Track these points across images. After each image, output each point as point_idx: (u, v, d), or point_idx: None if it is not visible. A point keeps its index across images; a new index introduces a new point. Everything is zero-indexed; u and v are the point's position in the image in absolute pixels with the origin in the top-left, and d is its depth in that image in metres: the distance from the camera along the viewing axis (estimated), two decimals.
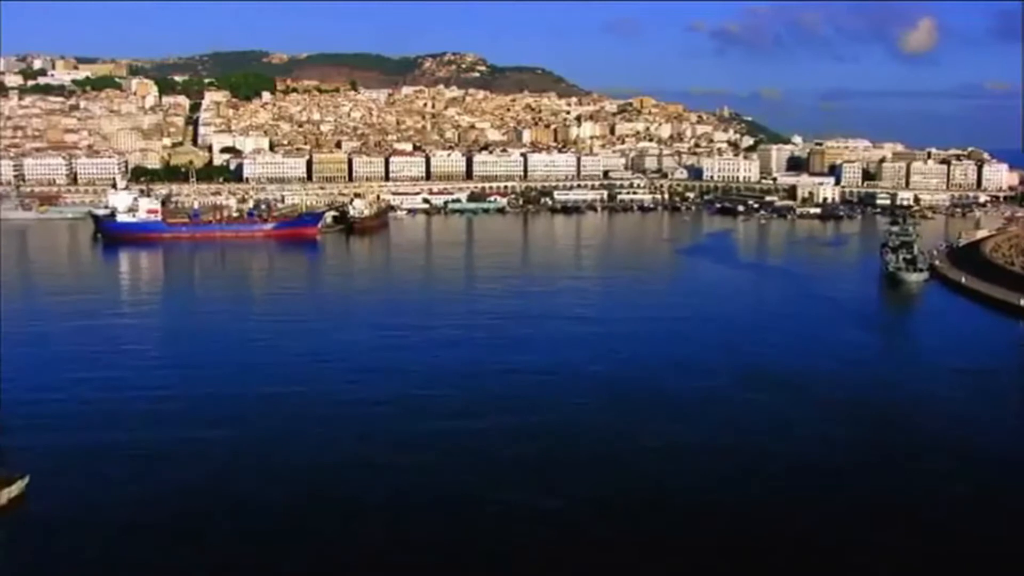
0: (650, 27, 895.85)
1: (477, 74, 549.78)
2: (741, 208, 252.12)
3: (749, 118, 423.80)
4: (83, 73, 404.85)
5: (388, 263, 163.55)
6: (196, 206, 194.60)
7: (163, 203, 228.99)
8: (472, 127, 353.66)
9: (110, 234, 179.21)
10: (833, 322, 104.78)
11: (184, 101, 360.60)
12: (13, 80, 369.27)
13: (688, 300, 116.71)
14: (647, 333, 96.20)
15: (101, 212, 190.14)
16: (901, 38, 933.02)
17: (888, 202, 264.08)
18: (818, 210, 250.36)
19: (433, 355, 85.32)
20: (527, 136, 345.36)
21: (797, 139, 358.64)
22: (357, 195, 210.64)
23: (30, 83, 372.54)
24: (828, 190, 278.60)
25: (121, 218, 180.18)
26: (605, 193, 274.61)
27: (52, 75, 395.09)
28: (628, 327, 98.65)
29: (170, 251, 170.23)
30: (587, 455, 59.90)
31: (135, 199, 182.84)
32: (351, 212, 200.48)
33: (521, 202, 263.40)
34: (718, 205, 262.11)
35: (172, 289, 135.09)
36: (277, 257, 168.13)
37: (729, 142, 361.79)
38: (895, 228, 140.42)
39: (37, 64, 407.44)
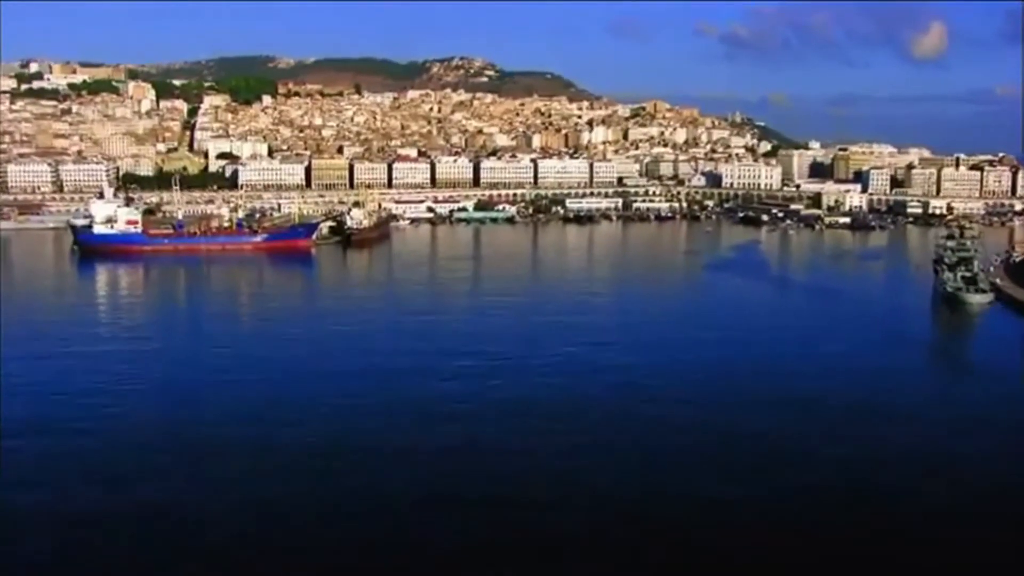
0: (658, 31, 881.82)
1: (485, 79, 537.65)
2: (765, 217, 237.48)
3: (761, 123, 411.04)
4: (80, 77, 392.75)
5: (387, 281, 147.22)
6: (180, 216, 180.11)
7: (151, 212, 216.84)
8: (480, 132, 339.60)
9: (86, 247, 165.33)
10: (897, 354, 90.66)
11: (181, 105, 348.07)
12: (8, 84, 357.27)
13: (726, 326, 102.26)
14: (691, 367, 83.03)
15: (80, 222, 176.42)
16: (911, 42, 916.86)
17: (920, 211, 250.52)
18: (847, 219, 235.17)
19: (431, 396, 71.22)
20: (537, 141, 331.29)
21: (815, 144, 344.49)
22: (356, 204, 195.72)
23: (24, 87, 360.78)
24: (855, 198, 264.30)
25: (98, 229, 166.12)
26: (620, 201, 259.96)
27: (48, 79, 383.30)
28: (664, 358, 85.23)
29: (150, 266, 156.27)
30: None
31: (116, 209, 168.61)
32: (349, 222, 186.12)
33: (531, 211, 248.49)
34: (740, 214, 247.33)
35: (134, 315, 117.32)
36: (266, 273, 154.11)
37: (746, 147, 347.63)
38: (951, 243, 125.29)
39: (34, 68, 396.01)
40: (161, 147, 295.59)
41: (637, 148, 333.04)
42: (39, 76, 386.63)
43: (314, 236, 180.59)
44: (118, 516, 49.50)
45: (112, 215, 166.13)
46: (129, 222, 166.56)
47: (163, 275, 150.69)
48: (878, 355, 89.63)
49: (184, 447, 60.02)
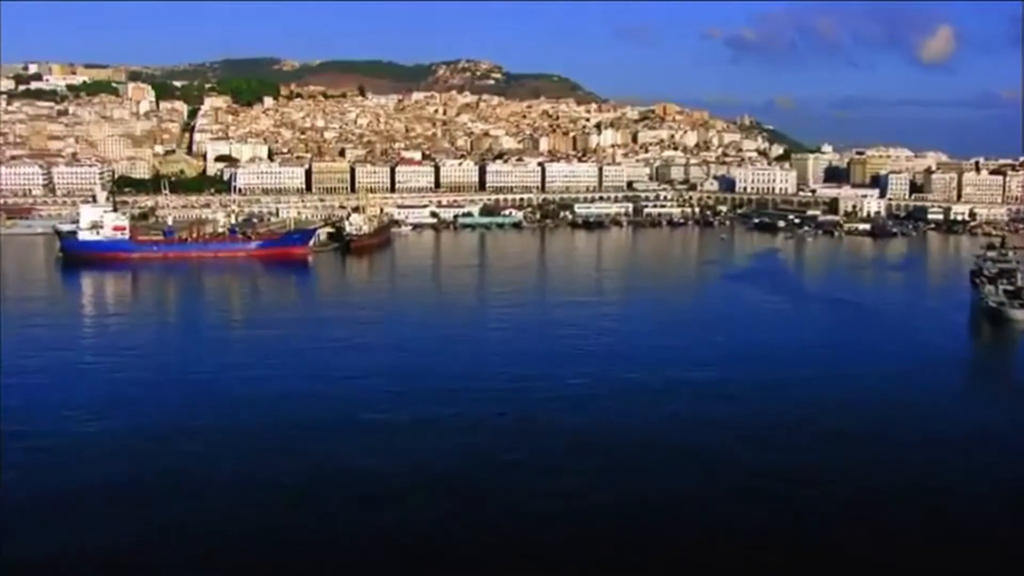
0: (662, 34, 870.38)
1: (492, 81, 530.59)
2: (781, 223, 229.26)
3: (770, 127, 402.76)
4: (80, 78, 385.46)
5: (387, 293, 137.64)
6: (171, 221, 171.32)
7: (145, 216, 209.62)
8: (486, 134, 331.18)
9: (71, 254, 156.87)
10: (938, 376, 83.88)
11: (181, 107, 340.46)
12: (6, 85, 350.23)
13: (754, 343, 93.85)
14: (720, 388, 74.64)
15: (66, 228, 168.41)
16: (918, 45, 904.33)
17: (941, 217, 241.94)
18: (867, 226, 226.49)
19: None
20: (544, 144, 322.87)
21: (827, 148, 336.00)
22: (356, 209, 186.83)
23: (22, 88, 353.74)
24: (873, 203, 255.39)
25: (83, 236, 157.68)
26: (630, 206, 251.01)
27: (47, 80, 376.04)
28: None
29: (137, 275, 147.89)
30: None
31: (102, 214, 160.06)
32: (348, 228, 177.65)
33: (538, 216, 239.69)
34: (756, 220, 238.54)
35: (104, 333, 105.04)
36: (258, 282, 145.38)
37: (758, 151, 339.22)
38: (991, 253, 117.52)
39: (33, 69, 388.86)
40: (159, 149, 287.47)
41: (647, 151, 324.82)
42: (38, 77, 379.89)
43: (311, 243, 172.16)
44: None
45: (98, 220, 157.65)
46: (116, 228, 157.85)
47: (148, 285, 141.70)
48: (916, 376, 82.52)
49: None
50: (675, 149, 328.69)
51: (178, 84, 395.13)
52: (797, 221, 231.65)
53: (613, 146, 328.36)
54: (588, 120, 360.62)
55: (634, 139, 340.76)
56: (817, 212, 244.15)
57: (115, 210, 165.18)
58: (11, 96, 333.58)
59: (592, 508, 51.05)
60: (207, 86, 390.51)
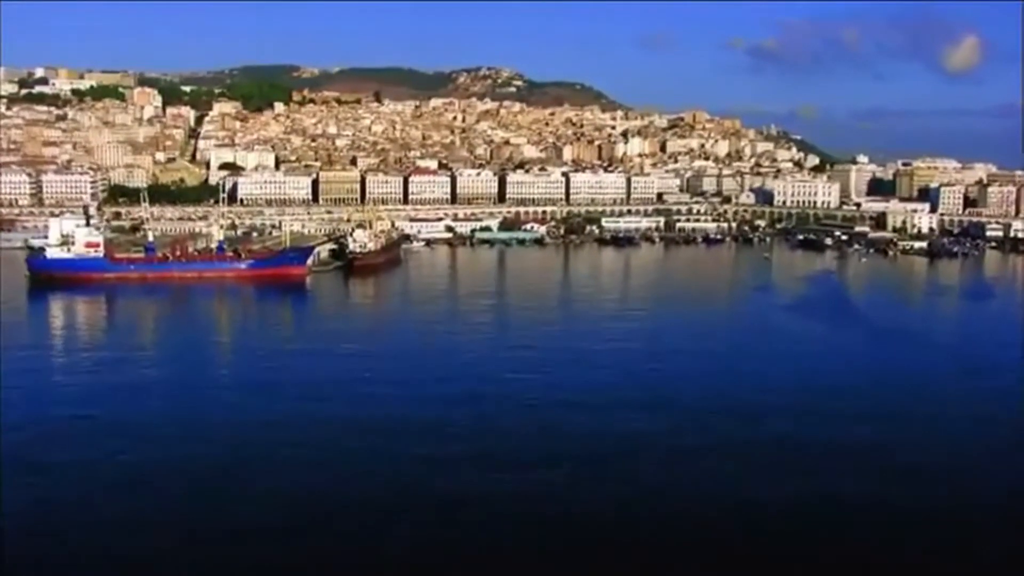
0: (685, 43, 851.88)
1: (513, 89, 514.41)
2: (828, 241, 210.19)
3: (798, 136, 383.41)
4: (87, 83, 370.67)
5: (389, 327, 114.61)
6: (151, 237, 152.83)
7: (136, 229, 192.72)
8: (506, 143, 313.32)
9: (39, 273, 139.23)
10: None
11: (188, 112, 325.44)
12: (8, 89, 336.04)
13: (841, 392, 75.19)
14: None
15: (40, 242, 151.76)
16: (943, 55, 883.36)
17: (1001, 234, 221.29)
18: (923, 244, 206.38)
19: None
20: (568, 153, 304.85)
21: (863, 158, 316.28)
22: (360, 225, 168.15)
23: (24, 92, 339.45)
24: (925, 219, 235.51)
25: (52, 253, 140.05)
26: (661, 220, 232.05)
27: (53, 84, 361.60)
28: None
29: (112, 298, 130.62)
30: None
31: (73, 228, 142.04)
32: (351, 245, 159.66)
33: (562, 231, 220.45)
34: (799, 237, 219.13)
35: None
36: (245, 309, 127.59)
37: (793, 161, 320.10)
38: None
39: (39, 73, 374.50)
40: (160, 156, 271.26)
41: (676, 161, 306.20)
42: (44, 81, 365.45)
43: (310, 261, 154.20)
44: None
45: (69, 235, 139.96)
46: (88, 244, 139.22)
47: (118, 312, 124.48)
48: None
49: None
50: (706, 159, 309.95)
51: (187, 89, 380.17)
52: (845, 238, 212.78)
53: (641, 155, 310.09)
54: (614, 128, 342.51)
55: (662, 148, 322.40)
56: (865, 228, 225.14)
57: (88, 223, 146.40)
58: (11, 100, 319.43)
59: None
60: (217, 91, 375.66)
